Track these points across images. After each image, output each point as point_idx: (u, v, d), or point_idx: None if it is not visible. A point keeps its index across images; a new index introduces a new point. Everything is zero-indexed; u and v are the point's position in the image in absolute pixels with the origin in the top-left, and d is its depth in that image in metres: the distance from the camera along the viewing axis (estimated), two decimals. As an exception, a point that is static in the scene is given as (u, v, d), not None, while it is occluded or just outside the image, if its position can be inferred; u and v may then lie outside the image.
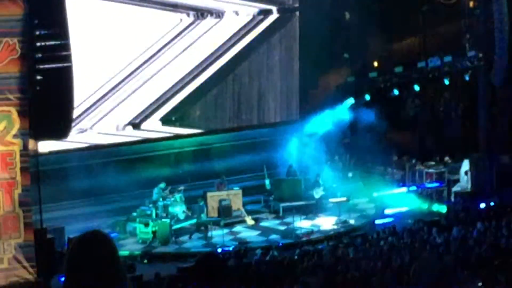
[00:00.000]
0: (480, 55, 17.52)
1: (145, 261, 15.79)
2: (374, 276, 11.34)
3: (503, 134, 18.16)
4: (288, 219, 16.74)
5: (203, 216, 16.91)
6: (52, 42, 14.21)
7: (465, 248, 12.74)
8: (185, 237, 16.74)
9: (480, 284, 10.74)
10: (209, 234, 16.67)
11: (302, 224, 16.74)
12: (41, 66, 14.24)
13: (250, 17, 18.16)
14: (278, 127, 19.49)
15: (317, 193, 17.50)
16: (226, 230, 16.52)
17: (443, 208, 17.12)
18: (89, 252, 2.61)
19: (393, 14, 18.87)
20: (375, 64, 19.83)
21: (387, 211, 17.28)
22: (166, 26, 17.23)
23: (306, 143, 18.53)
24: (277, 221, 17.27)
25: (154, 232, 16.55)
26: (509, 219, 14.23)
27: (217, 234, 16.52)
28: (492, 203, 16.53)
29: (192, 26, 17.52)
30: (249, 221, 17.24)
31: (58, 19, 14.29)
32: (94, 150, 17.83)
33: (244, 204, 17.36)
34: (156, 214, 16.81)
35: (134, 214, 16.92)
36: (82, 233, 2.76)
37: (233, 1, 17.97)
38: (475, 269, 11.54)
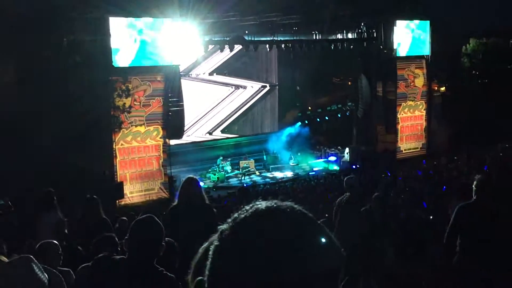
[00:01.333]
0: (352, 104, 29.99)
1: (214, 189, 23.70)
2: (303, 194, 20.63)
3: (361, 138, 29.20)
4: (273, 173, 27.93)
5: (238, 171, 27.08)
6: (176, 99, 21.88)
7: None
8: (231, 180, 26.23)
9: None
10: (241, 179, 26.68)
11: (279, 174, 27.69)
12: (171, 109, 21.84)
13: (257, 88, 30.47)
14: (268, 134, 30.59)
15: (291, 162, 28.64)
16: (247, 177, 26.92)
17: (337, 168, 28.32)
18: (189, 185, 5.32)
19: (317, 85, 31.58)
20: (310, 108, 33.06)
21: (314, 169, 28.37)
22: (223, 92, 29.45)
23: (281, 141, 29.74)
24: (269, 174, 27.83)
25: (217, 178, 25.89)
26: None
27: (244, 179, 26.54)
28: (356, 166, 27.04)
29: (233, 92, 29.92)
30: (257, 173, 27.61)
31: (178, 89, 22.15)
32: (192, 143, 27.77)
33: (255, 166, 28.02)
34: (218, 170, 26.37)
35: (210, 170, 26.47)
36: (187, 178, 5.57)
37: (250, 82, 30.06)
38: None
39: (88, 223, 6.05)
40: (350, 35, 28.62)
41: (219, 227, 1.10)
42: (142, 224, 3.27)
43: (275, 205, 1.09)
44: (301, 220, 1.06)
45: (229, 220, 1.09)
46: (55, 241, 4.74)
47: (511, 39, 39.20)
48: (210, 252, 1.07)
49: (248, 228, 1.04)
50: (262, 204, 1.09)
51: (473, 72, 33.23)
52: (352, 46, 28.50)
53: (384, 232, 5.87)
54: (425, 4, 30.33)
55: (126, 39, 21.08)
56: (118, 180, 20.84)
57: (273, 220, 1.05)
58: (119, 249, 4.76)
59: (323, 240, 1.04)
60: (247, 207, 1.09)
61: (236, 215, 1.09)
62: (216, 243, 1.07)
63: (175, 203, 5.61)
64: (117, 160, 21.06)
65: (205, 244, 1.33)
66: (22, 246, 4.81)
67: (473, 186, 4.97)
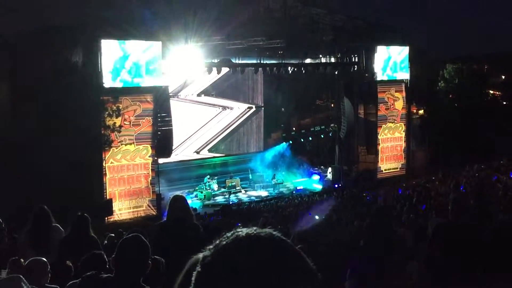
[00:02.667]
0: (335, 125, 30.07)
1: (200, 207, 23.89)
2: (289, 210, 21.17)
3: (344, 158, 29.54)
4: (258, 191, 27.62)
5: (224, 190, 26.72)
6: (165, 119, 22.25)
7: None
8: (217, 198, 25.92)
9: None
10: (227, 197, 26.31)
11: (263, 193, 27.49)
12: (160, 128, 22.09)
13: (244, 109, 30.34)
14: (254, 153, 30.37)
15: (275, 181, 28.19)
16: (233, 196, 26.55)
17: (320, 187, 28.11)
18: (177, 203, 5.09)
19: (301, 107, 32.35)
20: (294, 129, 32.68)
21: (298, 188, 28.04)
22: (211, 112, 29.23)
23: (266, 161, 29.53)
24: (254, 192, 27.64)
25: (204, 195, 25.66)
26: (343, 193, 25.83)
27: (230, 198, 26.17)
28: (339, 185, 27.55)
29: (221, 112, 29.67)
30: (243, 191, 27.47)
31: (167, 109, 22.44)
32: (180, 162, 27.11)
33: (241, 184, 27.77)
34: (205, 188, 26.05)
35: (197, 188, 26.08)
36: (175, 196, 5.28)
37: (237, 103, 29.94)
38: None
39: (76, 240, 5.95)
40: (332, 60, 28.95)
41: (201, 253, 1.12)
42: (128, 242, 3.25)
43: (255, 233, 1.10)
44: (280, 248, 1.08)
45: (211, 246, 1.11)
46: (44, 259, 4.64)
47: (485, 64, 40.06)
48: (193, 278, 1.09)
49: (228, 256, 1.06)
50: (242, 231, 1.11)
51: (450, 96, 33.65)
52: (335, 70, 28.92)
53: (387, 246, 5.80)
54: (404, 31, 30.94)
55: (117, 61, 21.12)
56: (107, 197, 20.74)
57: (253, 247, 1.06)
58: (107, 266, 4.69)
59: (302, 267, 1.07)
60: (228, 234, 1.11)
61: (217, 241, 1.11)
62: (198, 269, 1.08)
63: (163, 220, 5.57)
64: (107, 177, 20.98)
65: (186, 267, 1.31)
66: (12, 265, 4.69)
67: (449, 205, 4.98)
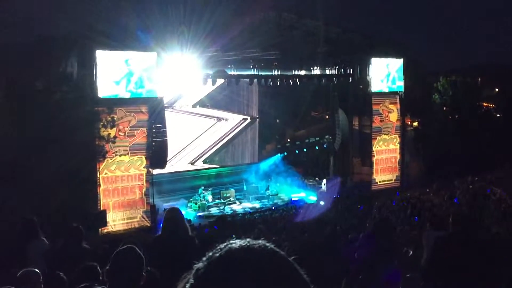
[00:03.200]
0: (330, 137, 30.22)
1: (195, 218, 23.93)
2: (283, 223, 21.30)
3: (338, 169, 29.50)
4: (253, 202, 27.34)
5: (218, 201, 26.57)
6: (160, 130, 22.22)
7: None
8: (212, 209, 25.80)
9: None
10: (222, 208, 26.29)
11: (258, 204, 27.11)
12: (154, 139, 21.81)
13: (238, 120, 30.20)
14: (249, 164, 30.38)
15: (270, 192, 28.19)
16: (227, 207, 26.43)
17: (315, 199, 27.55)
18: (173, 216, 5.22)
19: (296, 118, 32.14)
20: (288, 140, 32.48)
21: (293, 199, 27.81)
22: (206, 123, 29.10)
23: (261, 172, 29.83)
24: (248, 203, 27.31)
25: (199, 206, 25.58)
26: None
27: (225, 209, 26.14)
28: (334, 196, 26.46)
29: (216, 124, 29.60)
30: (237, 203, 27.23)
31: (161, 120, 22.19)
32: (175, 173, 26.99)
33: (235, 196, 27.48)
34: (200, 199, 26.04)
35: (191, 199, 26.03)
36: (171, 208, 5.64)
37: (231, 115, 29.88)
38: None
39: (69, 252, 5.92)
40: (327, 71, 29.05)
41: (194, 265, 1.11)
42: (122, 254, 3.23)
43: (248, 244, 1.11)
44: (273, 259, 1.08)
45: (204, 258, 1.11)
46: (36, 270, 4.62)
47: (478, 77, 40.32)
48: None
49: (221, 268, 1.06)
50: (235, 243, 1.11)
51: (444, 108, 33.82)
52: (329, 82, 29.07)
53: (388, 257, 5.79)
54: (399, 43, 31.18)
55: (112, 71, 21.15)
56: (101, 208, 20.62)
57: (246, 259, 1.07)
58: (100, 278, 4.66)
59: (295, 278, 1.07)
60: (221, 246, 1.12)
61: (210, 253, 1.11)
62: (191, 281, 1.08)
63: (159, 233, 5.54)
64: (101, 188, 20.90)
65: (181, 279, 1.32)
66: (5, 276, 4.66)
67: (450, 219, 5.01)
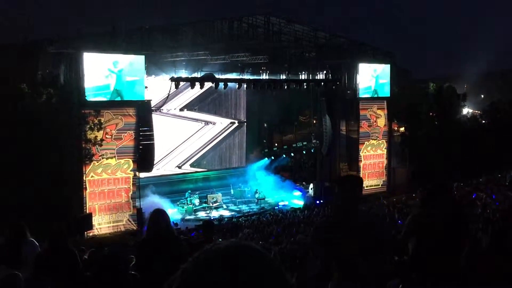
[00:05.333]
0: (317, 141, 30.48)
1: (181, 222, 23.97)
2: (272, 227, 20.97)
3: (325, 174, 29.37)
4: (240, 206, 27.78)
5: (205, 205, 26.80)
6: (147, 133, 22.02)
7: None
8: (198, 213, 26.02)
9: None
10: (209, 212, 26.43)
11: (244, 209, 27.42)
12: (141, 143, 22.01)
13: (226, 124, 30.43)
14: (236, 168, 30.72)
15: (257, 196, 28.53)
16: (214, 211, 26.54)
17: (302, 203, 28.22)
18: (160, 217, 5.11)
19: (284, 123, 32.83)
20: (276, 144, 33.17)
21: (280, 203, 28.30)
22: (193, 127, 29.22)
23: (248, 176, 30.17)
24: (235, 207, 27.64)
25: (186, 210, 25.82)
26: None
27: (212, 213, 26.29)
28: (320, 201, 27.33)
29: (204, 127, 29.73)
30: (224, 206, 27.35)
31: (149, 123, 22.26)
32: (162, 176, 27.23)
33: (222, 200, 27.61)
34: (186, 203, 26.23)
35: (178, 203, 26.25)
36: (156, 209, 5.33)
37: (219, 118, 30.09)
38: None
39: (53, 254, 5.88)
40: (315, 76, 29.14)
41: (181, 266, 1.11)
42: (107, 259, 3.23)
43: (234, 245, 1.11)
44: (258, 260, 1.09)
45: (190, 259, 1.11)
46: (16, 273, 4.58)
47: (465, 83, 40.71)
48: None
49: (208, 267, 1.06)
50: (222, 243, 1.12)
51: (430, 114, 34.01)
52: (317, 87, 29.13)
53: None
54: (386, 49, 31.37)
55: (99, 74, 21.03)
56: (87, 212, 20.48)
57: (232, 259, 1.07)
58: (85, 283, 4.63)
59: (280, 279, 1.09)
60: (208, 246, 1.12)
61: (197, 254, 1.11)
62: (178, 281, 1.08)
63: (144, 236, 5.52)
64: (87, 191, 20.74)
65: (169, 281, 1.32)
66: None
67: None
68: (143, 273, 4.25)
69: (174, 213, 24.94)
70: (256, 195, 28.77)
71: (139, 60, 21.84)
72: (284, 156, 32.46)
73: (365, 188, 28.61)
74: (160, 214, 5.29)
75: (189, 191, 27.27)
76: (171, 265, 2.22)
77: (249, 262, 1.08)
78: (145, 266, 4.43)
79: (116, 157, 21.41)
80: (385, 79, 29.00)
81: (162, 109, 27.66)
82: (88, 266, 5.43)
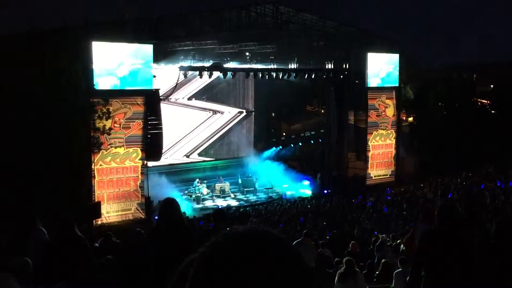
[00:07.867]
0: (325, 131, 30.19)
1: (191, 210, 23.81)
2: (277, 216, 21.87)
3: (333, 164, 29.54)
4: (248, 196, 28.01)
5: (213, 194, 27.15)
6: (155, 122, 21.86)
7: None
8: (206, 202, 26.35)
9: None
10: (217, 201, 26.74)
11: (252, 197, 27.69)
12: (150, 132, 21.80)
13: (234, 113, 30.84)
14: (244, 157, 30.63)
15: (265, 185, 28.66)
16: (222, 200, 26.79)
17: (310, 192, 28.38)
18: (170, 206, 5.17)
19: (292, 113, 32.83)
20: (284, 134, 33.50)
21: (288, 193, 28.33)
22: (201, 116, 29.71)
23: (256, 165, 29.71)
24: (243, 196, 27.83)
25: (194, 199, 25.98)
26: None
27: (219, 201, 26.76)
28: (328, 190, 27.75)
29: (211, 117, 30.21)
30: (232, 196, 27.66)
31: (157, 112, 22.27)
32: (170, 165, 27.75)
33: (230, 189, 28.00)
34: (194, 192, 26.50)
35: (186, 192, 26.56)
36: (167, 198, 5.37)
37: (227, 108, 30.50)
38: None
39: (62, 242, 5.93)
40: (323, 65, 29.04)
41: (199, 249, 1.10)
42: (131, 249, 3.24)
43: (252, 229, 1.11)
44: (276, 243, 1.08)
45: (208, 243, 1.09)
46: (26, 258, 4.65)
47: (474, 73, 40.34)
48: (190, 274, 1.07)
49: (227, 250, 1.05)
50: (239, 228, 1.11)
51: (439, 103, 33.82)
52: (325, 76, 29.01)
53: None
54: (396, 39, 31.21)
55: (108, 63, 21.01)
56: (96, 200, 20.54)
57: (251, 243, 1.07)
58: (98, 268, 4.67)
59: (298, 263, 1.08)
60: (225, 231, 1.11)
61: (214, 238, 1.09)
62: (196, 264, 1.07)
63: (155, 225, 5.49)
64: (95, 180, 20.76)
65: (181, 266, 1.32)
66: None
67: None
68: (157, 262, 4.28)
69: (181, 202, 25.01)
70: (264, 185, 28.75)
71: (147, 49, 21.76)
72: (292, 145, 32.50)
73: (373, 178, 28.80)
74: (170, 202, 5.29)
75: (197, 180, 27.25)
76: (181, 252, 2.23)
77: (268, 245, 1.07)
78: (159, 253, 4.44)
79: (125, 146, 21.41)
80: (394, 69, 28.83)
81: (171, 98, 27.72)
82: (99, 254, 5.47)
